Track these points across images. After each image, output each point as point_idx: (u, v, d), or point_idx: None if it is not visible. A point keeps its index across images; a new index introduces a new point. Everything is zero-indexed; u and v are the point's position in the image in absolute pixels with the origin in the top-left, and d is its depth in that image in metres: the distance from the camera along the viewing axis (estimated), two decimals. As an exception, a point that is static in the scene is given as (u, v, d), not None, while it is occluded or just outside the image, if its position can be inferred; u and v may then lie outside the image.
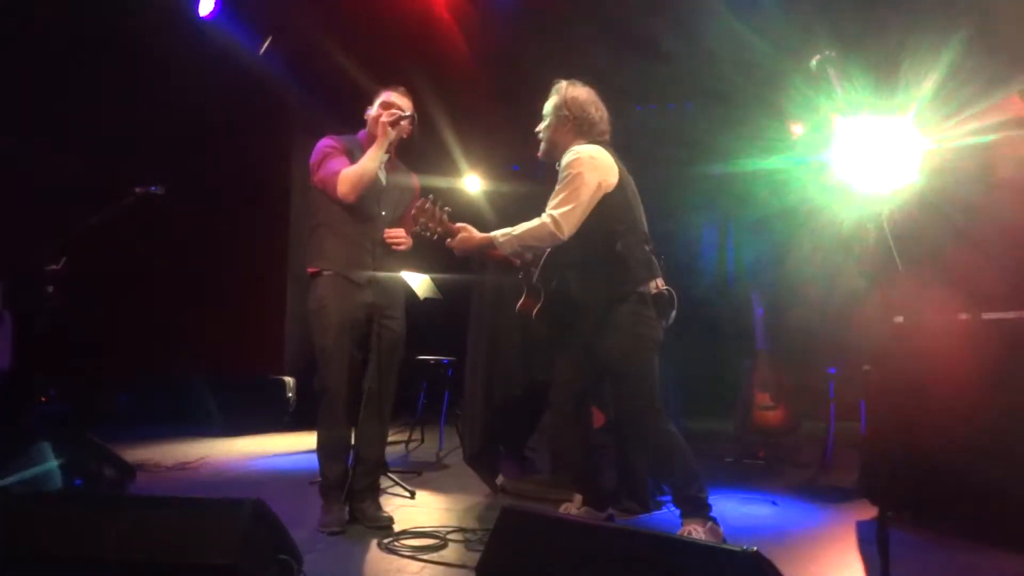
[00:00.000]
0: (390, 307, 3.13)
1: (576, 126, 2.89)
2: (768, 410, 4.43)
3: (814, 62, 2.50)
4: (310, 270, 3.12)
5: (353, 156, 3.06)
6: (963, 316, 2.96)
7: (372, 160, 2.99)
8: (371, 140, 3.08)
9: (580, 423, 3.07)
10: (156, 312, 6.01)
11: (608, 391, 3.33)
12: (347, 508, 3.06)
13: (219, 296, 6.01)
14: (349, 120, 3.33)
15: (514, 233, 2.78)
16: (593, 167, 2.75)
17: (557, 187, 2.79)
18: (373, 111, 3.13)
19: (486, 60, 5.61)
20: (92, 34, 4.91)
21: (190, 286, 6.05)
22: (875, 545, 1.92)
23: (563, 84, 2.97)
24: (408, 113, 3.06)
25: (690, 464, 2.75)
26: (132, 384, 5.99)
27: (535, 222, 2.77)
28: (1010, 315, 2.81)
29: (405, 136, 3.09)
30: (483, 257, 3.17)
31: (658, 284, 2.81)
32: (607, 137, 2.95)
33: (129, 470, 3.51)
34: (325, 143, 3.10)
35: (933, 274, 2.97)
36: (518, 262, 3.06)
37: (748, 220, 6.96)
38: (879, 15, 4.08)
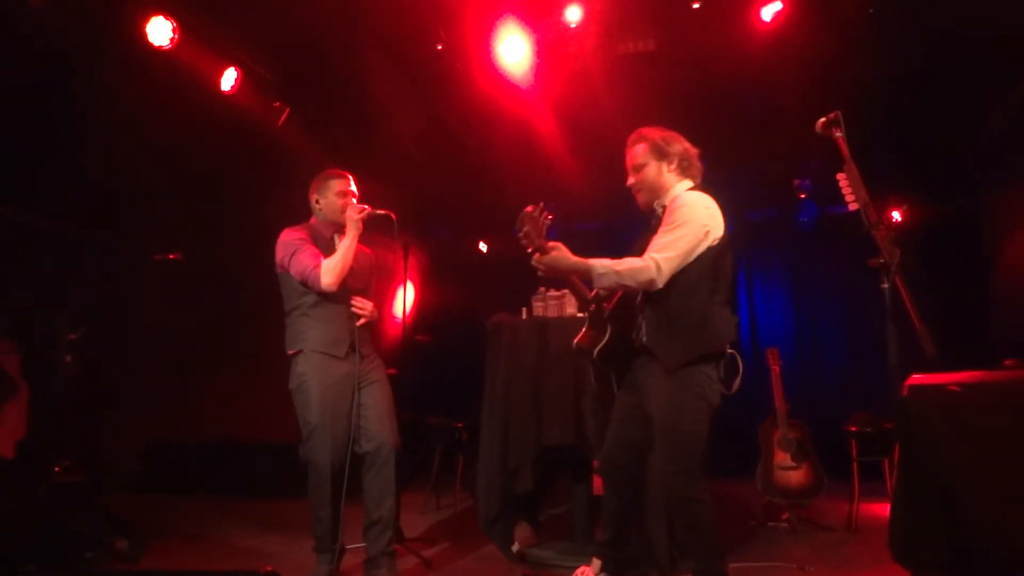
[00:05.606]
0: (372, 369, 3.28)
1: (679, 162, 2.78)
2: (790, 470, 4.32)
3: (820, 123, 2.55)
4: (290, 352, 3.22)
5: (318, 244, 3.22)
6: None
7: (350, 251, 3.16)
8: (329, 227, 3.29)
9: (629, 483, 2.89)
10: (170, 378, 6.01)
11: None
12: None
13: (233, 362, 6.02)
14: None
15: (616, 268, 2.58)
16: (702, 216, 2.63)
17: (663, 230, 2.63)
18: (326, 199, 3.27)
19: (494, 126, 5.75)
20: (103, 102, 5.01)
21: (205, 351, 6.07)
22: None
23: (644, 130, 2.84)
24: (383, 213, 3.22)
25: (715, 539, 2.64)
26: (147, 451, 5.94)
27: (639, 262, 2.58)
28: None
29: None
30: (566, 282, 2.97)
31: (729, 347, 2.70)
32: (700, 178, 2.83)
33: (143, 540, 3.46)
34: (291, 236, 3.22)
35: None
36: (592, 293, 2.89)
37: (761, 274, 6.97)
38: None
